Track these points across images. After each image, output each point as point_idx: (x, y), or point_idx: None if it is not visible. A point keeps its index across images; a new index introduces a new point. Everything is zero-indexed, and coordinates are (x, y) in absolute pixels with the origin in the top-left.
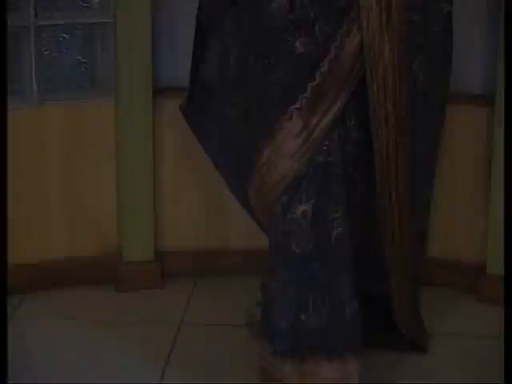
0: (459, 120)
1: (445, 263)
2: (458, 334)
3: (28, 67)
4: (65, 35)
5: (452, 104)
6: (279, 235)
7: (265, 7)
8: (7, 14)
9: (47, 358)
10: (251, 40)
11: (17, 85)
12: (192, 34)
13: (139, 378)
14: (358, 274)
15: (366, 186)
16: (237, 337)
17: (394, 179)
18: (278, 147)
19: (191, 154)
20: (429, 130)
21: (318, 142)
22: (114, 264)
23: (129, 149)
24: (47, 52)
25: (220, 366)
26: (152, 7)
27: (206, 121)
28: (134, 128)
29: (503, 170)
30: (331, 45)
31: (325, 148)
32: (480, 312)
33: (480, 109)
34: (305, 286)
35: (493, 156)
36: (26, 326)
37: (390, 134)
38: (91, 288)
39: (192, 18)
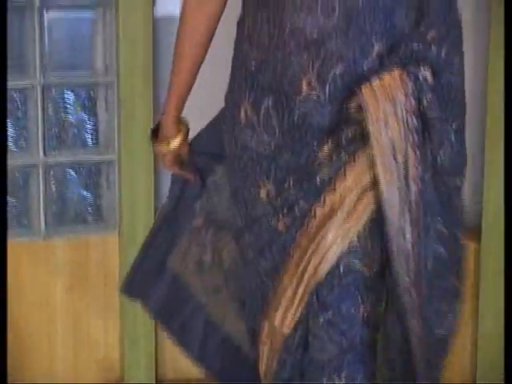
0: None
1: None
2: None
3: (36, 203)
4: (71, 172)
5: None
6: None
7: (254, 197)
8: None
9: None
10: (241, 233)
11: (25, 220)
12: None
13: None
14: None
15: None
16: None
17: None
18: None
19: None
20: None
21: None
22: None
23: None
24: (54, 188)
25: None
26: None
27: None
28: None
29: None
30: (305, 219)
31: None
32: None
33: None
34: None
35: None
36: None
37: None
38: None
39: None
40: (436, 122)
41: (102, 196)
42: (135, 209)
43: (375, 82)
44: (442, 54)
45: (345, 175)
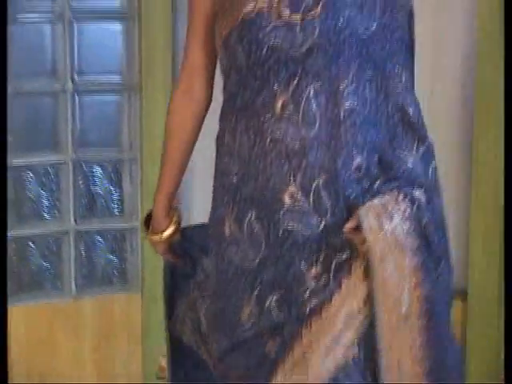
0: None
1: None
2: None
3: (67, 266)
4: (99, 238)
5: None
6: None
7: (238, 318)
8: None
9: None
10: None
11: (58, 282)
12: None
13: None
14: None
15: None
16: None
17: None
18: None
19: None
20: None
21: None
22: None
23: (153, 336)
24: (84, 253)
25: None
26: None
27: None
28: (158, 318)
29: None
30: (293, 342)
31: None
32: None
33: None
34: None
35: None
36: None
37: None
38: None
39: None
40: (435, 239)
41: (127, 260)
42: (157, 272)
43: (374, 202)
44: (429, 174)
45: (331, 301)
